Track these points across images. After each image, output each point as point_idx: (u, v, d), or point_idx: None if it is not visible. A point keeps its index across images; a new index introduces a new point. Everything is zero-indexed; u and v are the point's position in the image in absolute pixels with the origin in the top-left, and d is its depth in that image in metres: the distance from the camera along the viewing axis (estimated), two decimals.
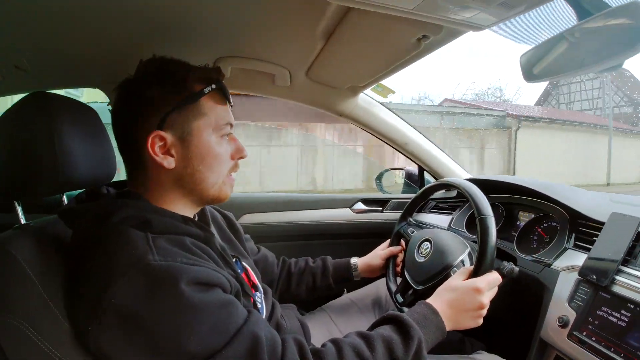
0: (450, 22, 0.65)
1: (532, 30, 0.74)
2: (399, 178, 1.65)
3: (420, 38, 0.75)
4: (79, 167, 0.62)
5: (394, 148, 1.37)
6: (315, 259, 1.00)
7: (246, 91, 1.21)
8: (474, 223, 0.72)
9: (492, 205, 0.72)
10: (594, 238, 0.74)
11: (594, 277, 0.67)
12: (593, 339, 0.63)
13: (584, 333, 0.64)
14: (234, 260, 0.67)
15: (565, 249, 0.79)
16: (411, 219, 1.05)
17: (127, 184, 0.63)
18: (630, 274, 0.64)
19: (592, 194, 0.94)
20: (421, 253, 0.84)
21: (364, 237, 1.41)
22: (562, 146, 8.60)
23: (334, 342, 0.57)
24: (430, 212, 1.31)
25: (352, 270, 0.97)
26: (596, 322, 0.64)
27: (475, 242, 0.75)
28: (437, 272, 0.78)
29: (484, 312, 0.66)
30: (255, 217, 1.35)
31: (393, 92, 1.18)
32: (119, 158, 0.66)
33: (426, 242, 0.85)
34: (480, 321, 0.67)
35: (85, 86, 1.15)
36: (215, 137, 0.60)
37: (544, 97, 13.83)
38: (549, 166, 7.95)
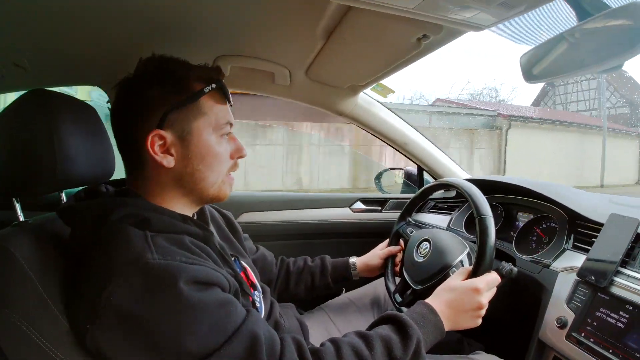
0: (451, 22, 0.65)
1: (532, 31, 0.74)
2: (399, 178, 1.65)
3: (420, 38, 0.75)
4: (78, 165, 0.62)
5: (394, 148, 1.37)
6: (313, 258, 1.00)
7: (246, 90, 1.21)
8: (473, 223, 0.72)
9: (491, 206, 0.72)
10: (593, 239, 0.74)
11: (593, 278, 0.67)
12: (591, 340, 0.63)
13: (583, 334, 0.64)
14: (232, 259, 0.67)
15: (564, 250, 0.79)
16: (410, 219, 1.05)
17: (126, 182, 0.63)
18: (629, 276, 0.64)
19: (591, 195, 0.94)
20: (420, 253, 0.84)
21: (362, 236, 1.41)
22: (554, 147, 8.51)
23: (333, 341, 0.57)
24: (429, 212, 1.31)
25: (350, 269, 0.97)
26: (594, 324, 0.64)
27: (474, 242, 0.75)
28: (436, 272, 0.78)
29: (483, 312, 0.66)
30: (254, 216, 1.35)
31: (393, 91, 1.18)
32: (117, 156, 0.66)
33: (425, 242, 0.85)
34: (479, 321, 0.67)
35: (85, 84, 1.15)
36: (215, 137, 0.60)
37: (540, 97, 13.82)
38: (540, 167, 7.87)
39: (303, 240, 1.39)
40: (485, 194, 0.75)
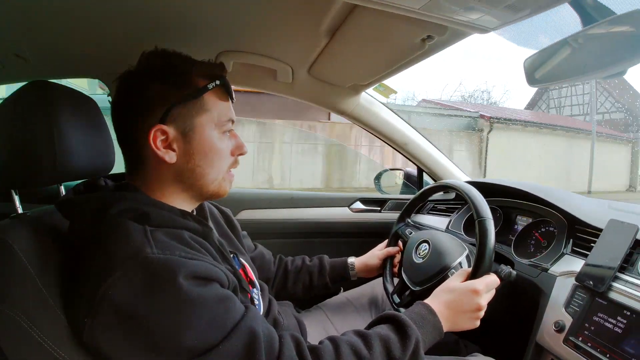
0: (456, 24, 0.64)
1: (535, 35, 0.74)
2: (399, 179, 1.65)
3: (425, 38, 0.75)
4: (77, 158, 0.61)
5: (394, 148, 1.37)
6: (312, 258, 0.99)
7: (247, 87, 1.21)
8: (472, 225, 0.72)
9: (490, 209, 0.72)
10: (592, 244, 0.75)
11: (591, 283, 0.67)
12: (589, 344, 0.63)
13: (580, 338, 0.65)
14: (231, 256, 0.66)
15: (563, 254, 0.80)
16: (409, 220, 1.05)
17: (125, 176, 0.62)
18: (627, 281, 0.65)
19: (590, 200, 0.94)
20: (419, 254, 0.84)
21: (361, 236, 1.41)
22: (540, 150, 8.33)
23: (332, 339, 0.57)
24: (428, 213, 1.31)
25: (349, 269, 0.97)
26: (592, 328, 0.64)
27: (473, 244, 0.75)
28: (435, 274, 0.78)
29: (482, 313, 0.66)
30: (253, 214, 1.34)
31: (395, 92, 1.18)
32: (117, 150, 0.66)
33: (424, 244, 0.85)
34: (478, 323, 0.67)
35: (85, 76, 1.14)
36: (217, 133, 0.60)
37: (534, 101, 13.78)
38: (526, 171, 7.69)
39: (302, 239, 1.39)
40: (484, 196, 0.75)
